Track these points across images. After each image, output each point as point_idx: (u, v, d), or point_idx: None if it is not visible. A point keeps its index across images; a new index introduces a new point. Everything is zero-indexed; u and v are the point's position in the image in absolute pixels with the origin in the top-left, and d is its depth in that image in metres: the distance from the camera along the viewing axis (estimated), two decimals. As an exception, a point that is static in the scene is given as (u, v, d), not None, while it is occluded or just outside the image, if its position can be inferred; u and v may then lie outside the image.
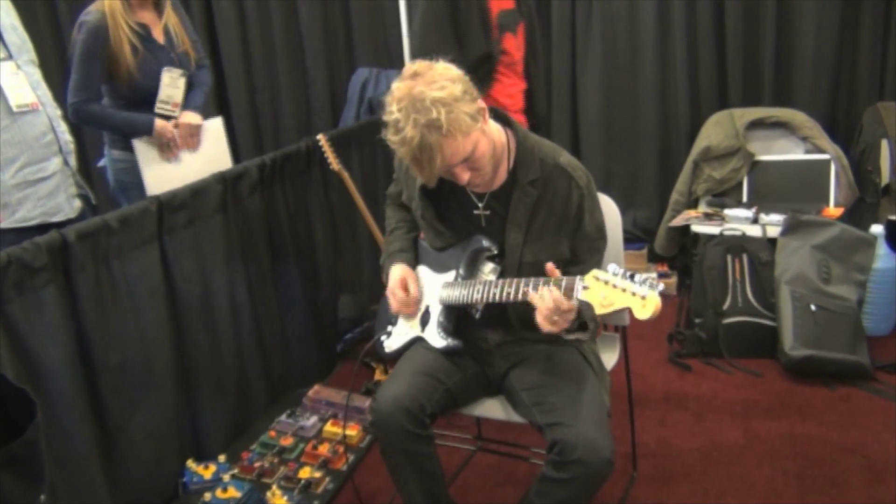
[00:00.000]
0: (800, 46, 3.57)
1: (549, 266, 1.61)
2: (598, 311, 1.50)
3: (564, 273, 1.60)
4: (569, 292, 1.54)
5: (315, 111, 4.44)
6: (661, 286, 1.45)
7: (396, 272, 1.93)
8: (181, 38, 2.76)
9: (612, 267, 1.50)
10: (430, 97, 1.53)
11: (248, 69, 4.45)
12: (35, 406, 1.45)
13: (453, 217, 1.86)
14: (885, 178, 3.31)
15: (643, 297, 1.43)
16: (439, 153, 1.56)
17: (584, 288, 1.52)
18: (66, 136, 2.44)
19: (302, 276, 2.97)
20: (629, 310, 1.45)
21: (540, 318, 1.60)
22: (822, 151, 3.43)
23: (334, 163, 3.00)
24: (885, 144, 3.32)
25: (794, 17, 3.55)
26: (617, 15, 3.82)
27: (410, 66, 1.62)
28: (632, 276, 1.46)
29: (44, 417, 1.83)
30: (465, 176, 1.66)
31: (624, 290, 1.46)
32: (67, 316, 1.94)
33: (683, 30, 3.67)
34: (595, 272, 1.51)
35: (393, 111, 1.57)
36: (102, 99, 2.67)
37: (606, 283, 1.49)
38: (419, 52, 2.19)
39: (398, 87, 1.59)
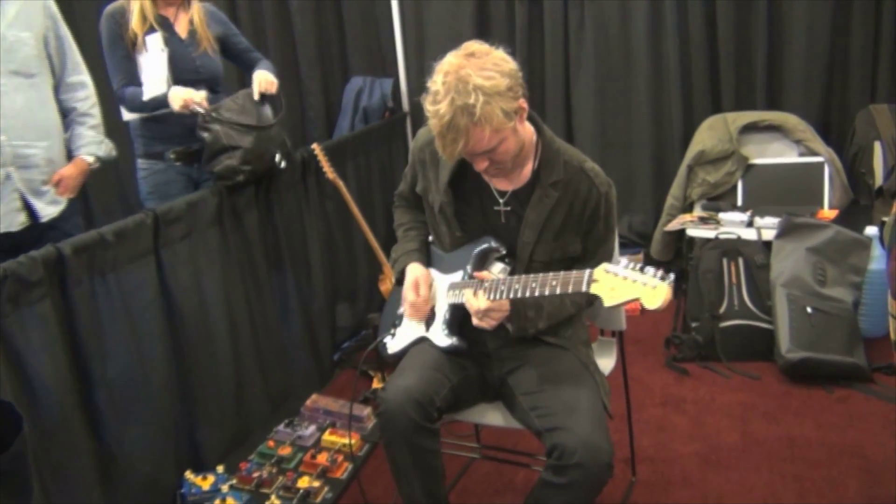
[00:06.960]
0: (792, 50, 3.59)
1: (478, 274, 1.77)
2: (607, 302, 1.51)
3: (571, 269, 1.62)
4: (577, 285, 1.56)
5: (309, 120, 4.45)
6: (672, 276, 1.47)
7: (411, 273, 1.94)
8: (203, 38, 2.74)
9: (623, 261, 1.53)
10: (473, 82, 1.56)
11: (241, 77, 4.44)
12: (21, 419, 1.44)
13: (472, 212, 1.87)
14: (879, 179, 3.32)
15: (653, 287, 1.45)
16: (464, 137, 1.59)
17: (594, 281, 1.53)
18: (21, 151, 2.33)
19: (298, 285, 2.97)
20: (639, 301, 1.46)
21: (473, 319, 1.75)
22: (815, 154, 3.44)
23: (329, 172, 3.01)
24: (877, 146, 3.33)
25: (786, 21, 3.58)
26: (609, 20, 3.84)
27: (471, 44, 1.64)
28: (641, 269, 1.49)
29: (40, 432, 1.84)
30: (482, 164, 1.69)
31: (634, 281, 1.48)
32: (64, 330, 1.94)
33: (676, 35, 3.69)
34: (605, 265, 1.53)
35: (437, 82, 1.60)
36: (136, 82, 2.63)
37: (616, 275, 1.50)
38: None
39: (450, 60, 1.61)
